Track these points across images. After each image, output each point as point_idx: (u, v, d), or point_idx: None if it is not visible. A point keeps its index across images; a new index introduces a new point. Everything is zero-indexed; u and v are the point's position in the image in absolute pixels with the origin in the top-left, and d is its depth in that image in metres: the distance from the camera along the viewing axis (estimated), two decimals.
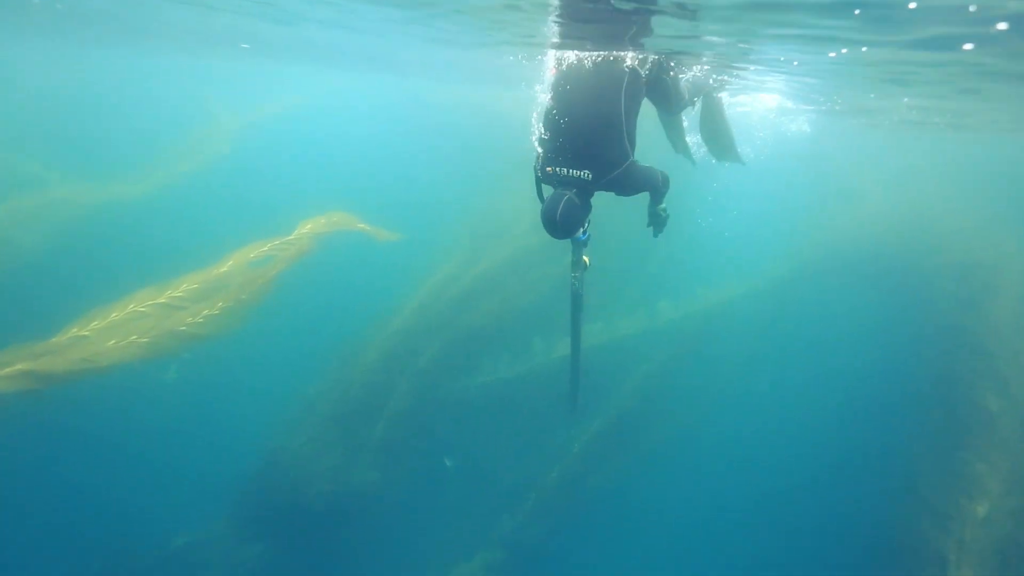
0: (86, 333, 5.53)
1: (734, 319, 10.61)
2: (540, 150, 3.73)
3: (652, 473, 9.81)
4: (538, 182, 3.84)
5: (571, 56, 3.82)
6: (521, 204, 11.48)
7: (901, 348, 10.08)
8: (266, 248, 7.08)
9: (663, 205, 4.15)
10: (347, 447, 8.78)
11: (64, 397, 6.33)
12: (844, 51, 5.20)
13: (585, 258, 4.40)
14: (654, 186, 3.97)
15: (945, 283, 10.10)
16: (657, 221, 4.22)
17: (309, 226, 7.49)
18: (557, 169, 3.58)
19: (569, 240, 3.96)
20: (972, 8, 3.54)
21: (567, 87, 3.67)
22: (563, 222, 3.54)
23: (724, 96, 6.32)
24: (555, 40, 5.88)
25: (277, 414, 8.57)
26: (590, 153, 3.58)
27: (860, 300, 11.06)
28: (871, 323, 10.74)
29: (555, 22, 5.17)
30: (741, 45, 5.35)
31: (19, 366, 4.93)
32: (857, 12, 3.90)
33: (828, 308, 10.94)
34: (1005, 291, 9.87)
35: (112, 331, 5.62)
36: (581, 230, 3.81)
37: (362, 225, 8.15)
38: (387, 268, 10.46)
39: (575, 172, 3.52)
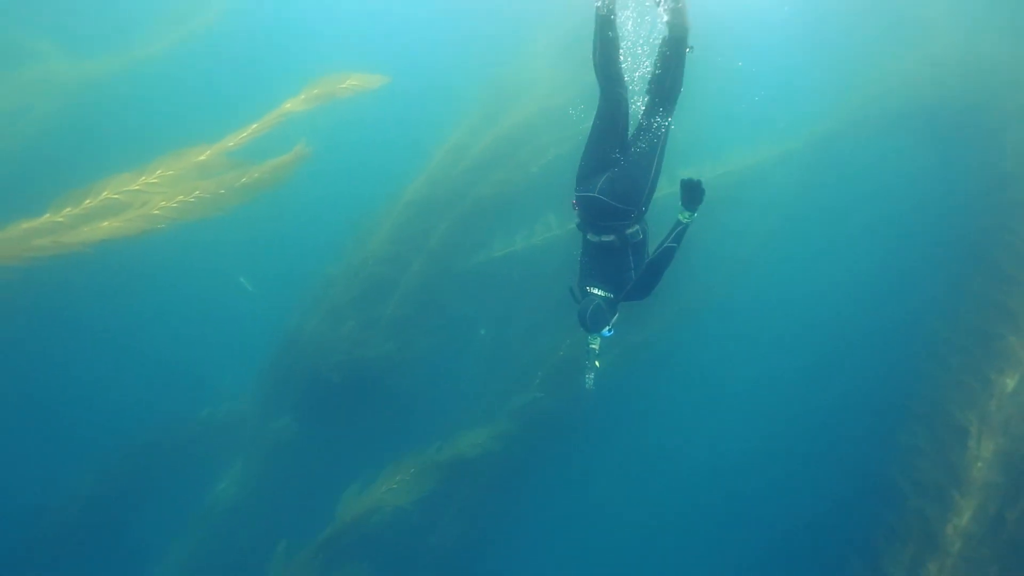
0: (60, 219, 5.38)
1: (765, 185, 9.46)
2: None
3: (668, 349, 9.38)
4: (573, 292, 5.07)
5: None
6: (537, 68, 10.37)
7: (949, 208, 8.79)
8: (245, 135, 6.56)
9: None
10: (362, 321, 8.75)
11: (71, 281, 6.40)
12: None
13: (596, 362, 5.07)
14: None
15: (1016, 126, 8.49)
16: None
17: (289, 104, 6.86)
18: (589, 288, 4.85)
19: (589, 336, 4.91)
20: None
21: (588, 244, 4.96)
22: (591, 321, 4.72)
23: None
24: None
25: (295, 294, 8.58)
26: (611, 282, 4.83)
27: (909, 157, 9.55)
28: (919, 182, 9.34)
29: None
30: None
31: None
32: None
33: (872, 169, 9.52)
34: None
35: (86, 217, 5.46)
36: (607, 327, 4.86)
37: (351, 82, 7.40)
38: (396, 139, 9.82)
39: (601, 292, 4.80)
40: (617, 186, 4.57)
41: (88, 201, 5.47)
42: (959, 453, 7.12)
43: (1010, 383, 7.27)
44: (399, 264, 9.14)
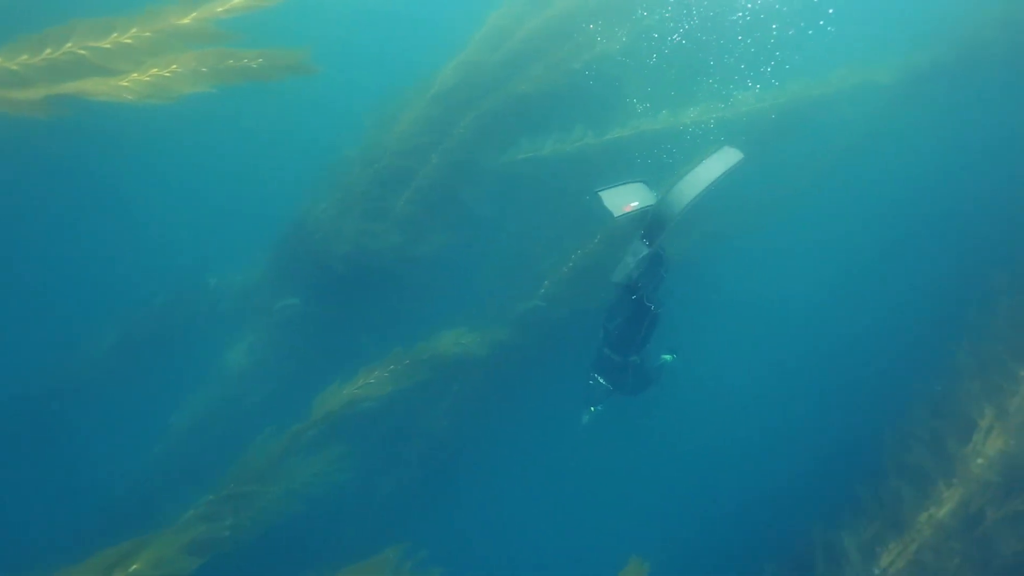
0: (14, 67, 4.42)
1: (832, 117, 7.54)
2: None
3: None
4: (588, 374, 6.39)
5: None
6: None
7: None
8: (239, 2, 5.08)
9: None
10: (372, 211, 7.76)
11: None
12: None
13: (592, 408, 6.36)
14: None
15: None
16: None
17: None
18: (596, 375, 6.20)
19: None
20: None
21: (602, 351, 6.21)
22: (589, 400, 6.32)
23: None
24: None
25: (306, 175, 7.64)
26: (610, 380, 6.20)
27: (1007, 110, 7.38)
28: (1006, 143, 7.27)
29: None
30: None
31: None
32: None
33: (956, 116, 7.38)
34: None
35: (43, 72, 4.48)
36: (599, 406, 6.30)
37: None
38: (428, 23, 8.20)
39: (603, 382, 6.15)
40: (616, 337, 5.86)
41: (48, 51, 4.45)
42: (959, 445, 6.11)
43: None
44: (417, 156, 8.00)
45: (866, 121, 7.46)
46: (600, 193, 5.09)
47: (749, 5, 7.74)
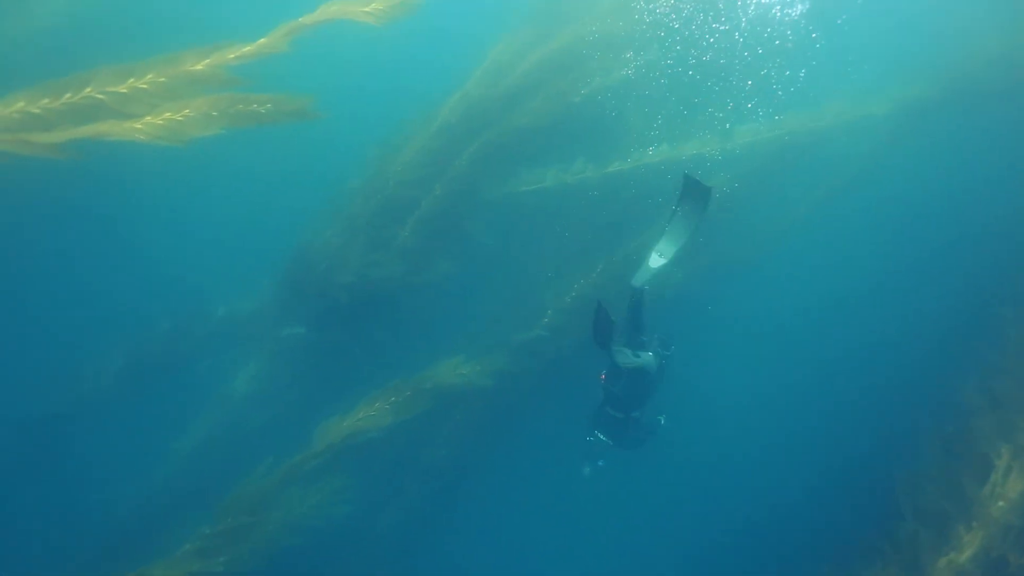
0: (36, 111, 4.70)
1: (828, 150, 7.58)
2: None
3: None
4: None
5: None
6: None
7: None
8: (250, 49, 5.48)
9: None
10: (376, 240, 7.95)
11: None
12: None
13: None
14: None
15: None
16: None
17: (304, 19, 5.66)
18: (596, 432, 6.30)
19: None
20: None
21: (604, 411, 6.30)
22: (592, 455, 6.41)
23: None
24: None
25: (310, 207, 7.87)
26: (610, 436, 6.32)
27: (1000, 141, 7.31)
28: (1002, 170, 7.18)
29: None
30: None
31: None
32: None
33: (953, 146, 7.36)
34: None
35: (63, 116, 4.76)
36: (600, 461, 6.42)
37: (376, 5, 6.20)
38: (431, 60, 8.48)
39: (603, 437, 6.26)
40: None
41: (68, 95, 4.73)
42: (976, 486, 5.90)
43: None
44: (421, 187, 8.18)
45: (868, 152, 7.49)
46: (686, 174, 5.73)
47: (749, 34, 7.91)
